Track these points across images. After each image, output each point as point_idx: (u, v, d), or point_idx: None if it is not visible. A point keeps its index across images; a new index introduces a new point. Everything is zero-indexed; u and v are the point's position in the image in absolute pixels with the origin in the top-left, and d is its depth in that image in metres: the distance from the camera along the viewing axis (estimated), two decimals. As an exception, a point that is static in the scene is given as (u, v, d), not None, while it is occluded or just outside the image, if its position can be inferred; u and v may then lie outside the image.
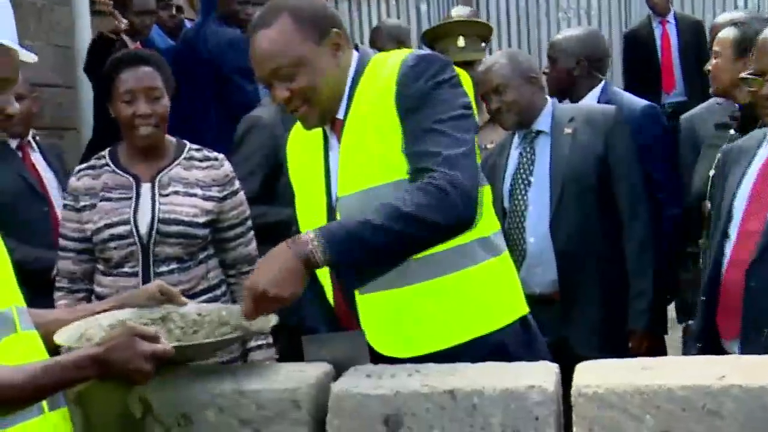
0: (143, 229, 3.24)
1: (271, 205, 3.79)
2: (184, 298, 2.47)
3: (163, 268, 3.24)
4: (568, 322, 3.73)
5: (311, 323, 2.58)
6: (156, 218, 3.24)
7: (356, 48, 2.52)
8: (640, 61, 8.07)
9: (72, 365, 1.92)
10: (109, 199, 3.28)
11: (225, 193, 3.36)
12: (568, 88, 4.42)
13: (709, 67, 3.86)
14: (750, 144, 3.03)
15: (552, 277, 3.74)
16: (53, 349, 2.11)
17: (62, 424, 2.01)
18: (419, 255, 2.36)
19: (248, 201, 3.45)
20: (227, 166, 3.41)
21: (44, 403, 1.95)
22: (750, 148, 3.00)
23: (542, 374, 2.06)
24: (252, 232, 3.47)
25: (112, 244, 3.24)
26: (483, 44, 4.90)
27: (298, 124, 2.61)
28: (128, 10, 5.77)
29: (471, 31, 4.79)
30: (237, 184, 3.42)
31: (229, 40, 5.82)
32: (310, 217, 2.52)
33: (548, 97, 4.02)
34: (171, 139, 3.41)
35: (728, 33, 3.77)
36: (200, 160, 3.38)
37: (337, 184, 2.44)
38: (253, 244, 3.47)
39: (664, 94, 7.92)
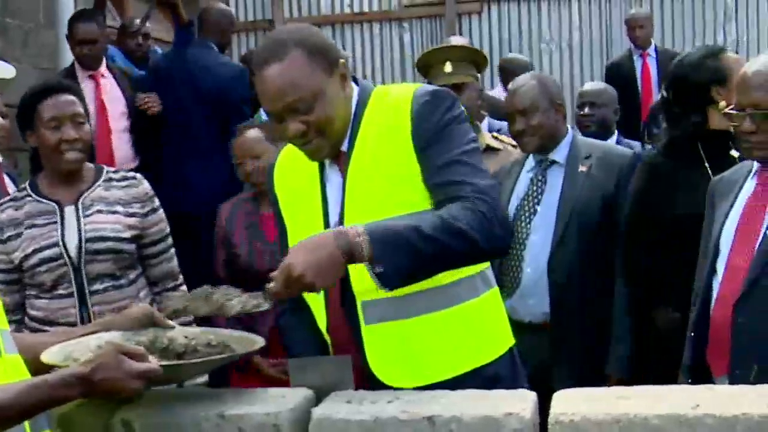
0: (72, 249, 3.34)
1: None
2: (170, 322, 2.48)
3: (97, 286, 3.34)
4: (555, 355, 3.71)
5: (298, 350, 2.59)
6: (83, 238, 3.34)
7: (354, 80, 2.54)
8: (621, 92, 8.12)
9: (59, 384, 1.92)
10: (34, 226, 3.38)
11: (146, 209, 3.49)
12: None
13: None
14: (737, 176, 3.00)
15: (544, 309, 3.72)
16: (37, 374, 2.12)
17: (45, 446, 2.02)
18: (427, 286, 2.38)
19: None
20: (146, 185, 3.54)
21: (27, 426, 1.94)
22: (737, 181, 2.97)
23: (520, 402, 2.09)
24: (173, 249, 3.60)
25: (43, 268, 3.33)
26: (476, 70, 4.92)
27: (284, 155, 2.64)
28: (72, 40, 5.80)
29: (458, 56, 4.82)
30: (157, 201, 3.55)
31: (236, 72, 5.95)
32: None
33: (569, 128, 4.03)
34: (89, 164, 3.52)
35: None
36: (119, 180, 3.51)
37: (345, 217, 2.44)
38: (175, 261, 3.61)
39: (644, 124, 8.02)
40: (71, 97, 3.42)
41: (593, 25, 9.53)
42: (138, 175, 3.58)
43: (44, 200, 3.43)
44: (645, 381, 3.72)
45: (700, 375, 2.91)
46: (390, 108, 2.46)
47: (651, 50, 8.23)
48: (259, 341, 2.37)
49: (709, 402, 1.98)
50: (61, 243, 3.34)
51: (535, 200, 3.84)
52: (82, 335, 2.37)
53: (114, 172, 3.55)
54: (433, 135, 2.39)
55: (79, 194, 3.43)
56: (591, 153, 3.88)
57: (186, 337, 2.43)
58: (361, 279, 2.34)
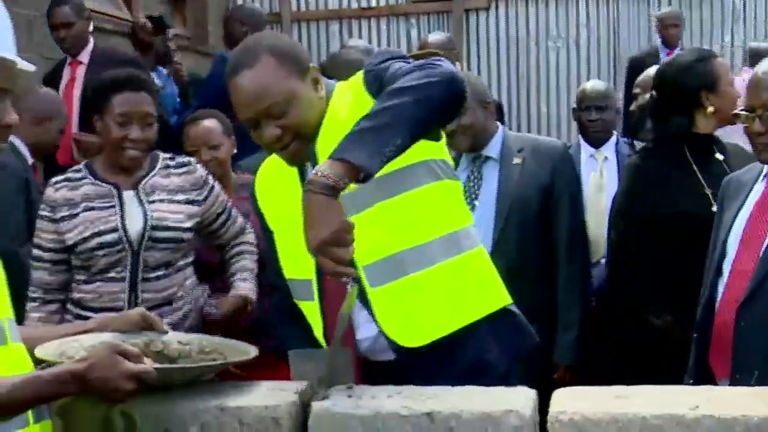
0: (134, 235, 3.33)
1: None
2: (165, 326, 2.48)
3: (150, 274, 3.33)
4: None
5: (293, 345, 2.59)
6: (148, 224, 3.34)
7: None
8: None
9: (53, 380, 1.92)
10: (92, 209, 3.36)
11: (205, 194, 3.53)
12: None
13: None
14: (747, 177, 2.99)
15: None
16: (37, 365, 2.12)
17: (46, 436, 2.02)
18: (415, 244, 2.42)
19: None
20: (201, 169, 3.58)
21: (29, 414, 1.95)
22: (747, 182, 2.97)
23: (520, 399, 2.09)
24: (233, 210, 3.68)
25: (101, 252, 3.31)
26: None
27: (262, 172, 2.68)
28: (50, 26, 5.78)
29: None
30: (211, 180, 3.59)
31: None
32: (295, 256, 2.53)
33: (499, 124, 4.09)
34: None
35: None
36: (175, 167, 3.52)
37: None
38: (240, 218, 3.69)
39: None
40: (146, 96, 3.42)
41: (601, 22, 9.51)
42: (193, 160, 3.61)
43: (102, 183, 3.41)
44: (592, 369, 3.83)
45: (703, 376, 2.91)
46: (348, 92, 2.48)
47: (678, 50, 8.16)
48: (252, 351, 2.38)
49: (708, 403, 1.99)
50: (121, 228, 3.33)
51: (473, 195, 3.92)
52: (77, 333, 2.37)
53: (170, 158, 3.56)
54: (379, 73, 2.39)
55: (138, 180, 3.43)
56: (523, 146, 3.98)
57: (180, 342, 2.45)
58: (360, 244, 2.31)
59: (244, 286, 3.64)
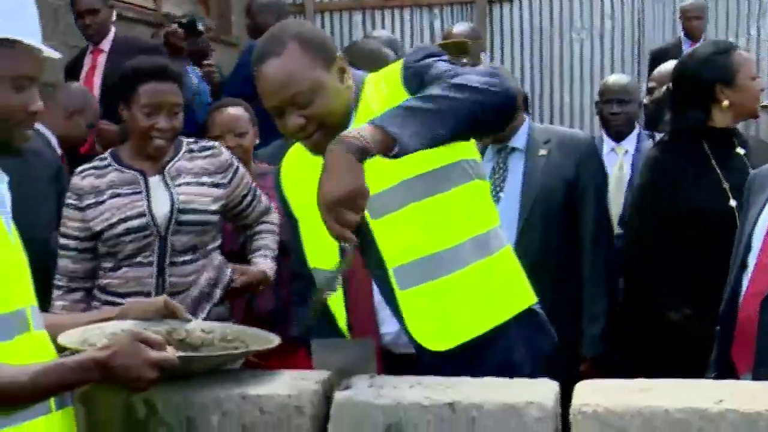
0: (161, 219, 3.34)
1: None
2: (187, 314, 2.48)
3: (178, 258, 3.34)
4: None
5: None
6: (175, 207, 3.35)
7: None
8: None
9: (76, 367, 1.93)
10: (118, 195, 3.37)
11: (229, 177, 3.53)
12: None
13: None
14: None
15: None
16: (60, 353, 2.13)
17: (69, 423, 2.03)
18: (447, 246, 2.40)
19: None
20: (226, 152, 3.58)
21: (52, 402, 1.96)
22: None
23: (542, 391, 2.09)
24: (257, 190, 3.68)
25: (128, 238, 3.32)
26: (463, 58, 4.89)
27: (288, 158, 2.67)
28: (75, 13, 5.81)
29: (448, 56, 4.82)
30: (236, 163, 3.58)
31: None
32: (320, 246, 2.52)
33: (525, 116, 4.07)
34: None
35: None
36: (200, 151, 3.52)
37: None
38: (265, 198, 3.69)
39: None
40: (173, 86, 3.42)
41: (625, 14, 9.46)
42: (217, 144, 3.62)
43: (128, 170, 3.42)
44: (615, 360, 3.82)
45: (726, 370, 2.89)
46: (383, 83, 2.47)
47: (701, 43, 8.10)
48: (275, 339, 2.37)
49: (732, 397, 1.98)
50: (148, 213, 3.33)
51: (498, 187, 3.91)
52: (100, 321, 2.37)
53: (193, 142, 3.56)
54: (420, 69, 2.37)
55: (163, 165, 3.44)
56: (549, 138, 3.97)
57: (203, 330, 2.45)
58: (390, 244, 2.35)
59: (265, 263, 3.66)
